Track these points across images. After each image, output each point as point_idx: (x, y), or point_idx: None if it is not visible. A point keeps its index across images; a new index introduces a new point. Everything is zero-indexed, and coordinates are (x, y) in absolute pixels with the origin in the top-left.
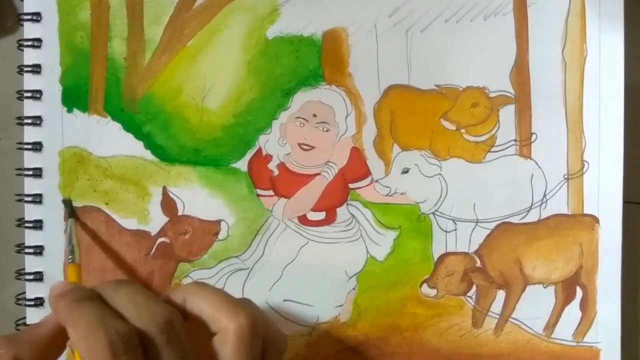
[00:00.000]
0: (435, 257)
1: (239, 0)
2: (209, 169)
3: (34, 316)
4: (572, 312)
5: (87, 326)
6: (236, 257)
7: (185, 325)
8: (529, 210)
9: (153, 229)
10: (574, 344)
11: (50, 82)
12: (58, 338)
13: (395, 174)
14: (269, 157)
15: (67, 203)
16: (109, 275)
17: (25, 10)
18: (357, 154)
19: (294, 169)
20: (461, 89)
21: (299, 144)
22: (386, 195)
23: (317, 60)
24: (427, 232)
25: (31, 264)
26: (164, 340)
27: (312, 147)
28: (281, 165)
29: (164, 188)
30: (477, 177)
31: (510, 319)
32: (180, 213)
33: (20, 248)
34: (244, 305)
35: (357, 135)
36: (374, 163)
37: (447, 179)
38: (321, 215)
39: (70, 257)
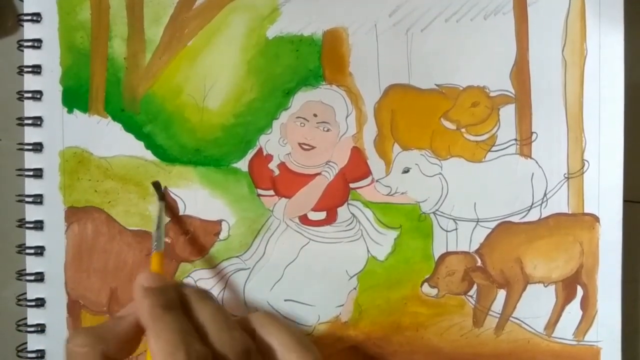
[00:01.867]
0: (436, 256)
1: (239, 0)
2: (209, 169)
3: (34, 317)
4: (573, 311)
5: (169, 342)
6: (237, 257)
7: None
8: (529, 210)
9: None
10: (575, 343)
11: (50, 83)
12: (139, 333)
13: (396, 173)
14: (269, 157)
15: (156, 185)
16: (110, 276)
17: (25, 11)
18: (357, 153)
19: (295, 169)
20: (461, 88)
21: (300, 144)
22: (387, 195)
23: (318, 60)
24: (427, 232)
25: (32, 264)
26: None
27: (313, 147)
28: (282, 165)
29: (165, 188)
30: (478, 177)
31: (511, 318)
32: (181, 213)
33: (21, 248)
34: (313, 350)
35: (358, 135)
36: (375, 163)
37: (448, 179)
38: (322, 215)
39: (156, 243)
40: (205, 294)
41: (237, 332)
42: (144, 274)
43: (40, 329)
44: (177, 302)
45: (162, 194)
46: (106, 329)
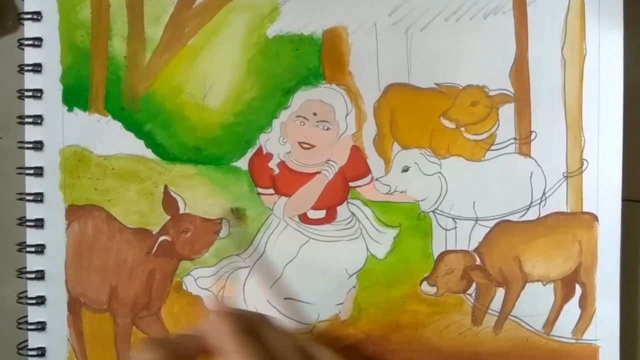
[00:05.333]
0: (435, 255)
1: None
2: (209, 167)
3: (35, 314)
4: (571, 309)
5: None
6: (237, 255)
7: None
8: (528, 209)
9: (154, 228)
10: (573, 341)
11: (50, 81)
12: (201, 355)
13: (395, 172)
14: (269, 156)
15: (235, 213)
16: (110, 274)
17: (26, 10)
18: (357, 152)
19: (295, 168)
20: (461, 87)
21: (300, 143)
22: (386, 194)
23: (317, 59)
24: (427, 230)
25: (32, 262)
26: None
27: (313, 146)
28: (282, 164)
29: (165, 187)
30: (477, 176)
31: (509, 317)
32: (181, 211)
33: (22, 247)
34: None
35: (357, 134)
36: (374, 161)
37: (447, 177)
38: (321, 214)
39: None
40: (269, 320)
41: (302, 357)
42: (217, 299)
43: (41, 326)
44: (249, 327)
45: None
46: (174, 345)
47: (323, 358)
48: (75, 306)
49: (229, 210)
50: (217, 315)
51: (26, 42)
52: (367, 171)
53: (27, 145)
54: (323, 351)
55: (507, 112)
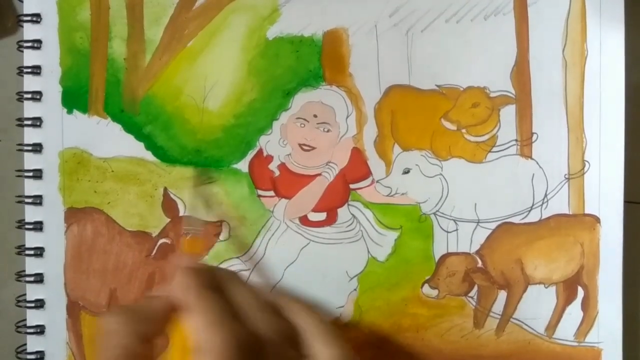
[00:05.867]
0: (437, 257)
1: (239, 1)
2: (210, 170)
3: (34, 318)
4: (574, 312)
5: (213, 320)
6: (237, 257)
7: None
8: (530, 210)
9: (154, 230)
10: (576, 344)
11: (50, 83)
12: (171, 313)
13: (396, 174)
14: (269, 158)
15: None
16: (109, 277)
17: (25, 11)
18: (357, 154)
19: (295, 170)
20: (462, 89)
21: (300, 145)
22: (387, 196)
23: (318, 61)
24: (428, 233)
25: (31, 265)
26: (271, 350)
27: (313, 148)
28: (282, 166)
29: (165, 189)
30: (478, 177)
31: (511, 319)
32: (181, 214)
33: (21, 250)
34: (339, 337)
35: (358, 136)
36: (375, 163)
37: (448, 179)
38: (322, 216)
39: (191, 228)
40: (236, 275)
41: (269, 314)
42: (184, 255)
43: (40, 330)
44: (215, 282)
45: (200, 181)
46: (140, 308)
47: (292, 312)
48: (74, 309)
49: (194, 176)
50: (182, 271)
51: (25, 44)
52: (367, 173)
53: (26, 148)
54: (293, 305)
55: (508, 113)
